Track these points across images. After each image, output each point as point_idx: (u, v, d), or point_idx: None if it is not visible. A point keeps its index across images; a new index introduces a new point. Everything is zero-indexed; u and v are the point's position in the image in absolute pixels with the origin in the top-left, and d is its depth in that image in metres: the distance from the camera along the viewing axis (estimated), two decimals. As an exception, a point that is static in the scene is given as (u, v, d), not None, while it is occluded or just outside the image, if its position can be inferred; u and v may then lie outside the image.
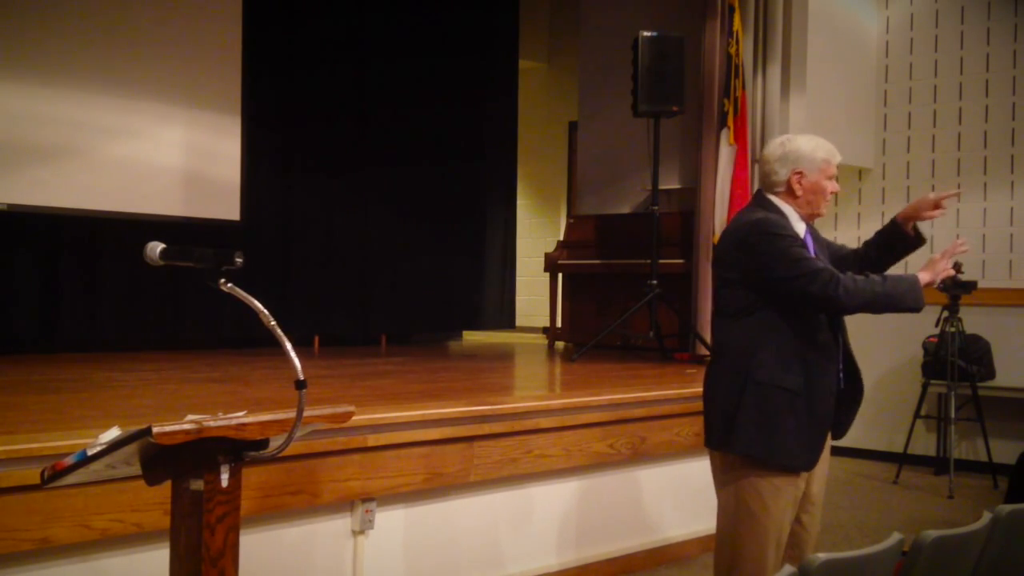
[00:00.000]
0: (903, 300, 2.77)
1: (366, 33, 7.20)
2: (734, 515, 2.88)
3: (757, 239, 2.82)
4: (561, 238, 7.75)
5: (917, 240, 3.07)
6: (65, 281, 5.84)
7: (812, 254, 2.88)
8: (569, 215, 8.26)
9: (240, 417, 1.95)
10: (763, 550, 2.83)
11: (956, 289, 6.08)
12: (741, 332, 2.87)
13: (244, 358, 5.68)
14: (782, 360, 2.80)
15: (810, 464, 2.88)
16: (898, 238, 3.06)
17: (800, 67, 6.36)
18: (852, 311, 2.81)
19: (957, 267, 6.12)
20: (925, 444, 6.70)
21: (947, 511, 5.58)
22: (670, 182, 6.71)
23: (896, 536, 2.00)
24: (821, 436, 2.88)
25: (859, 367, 2.98)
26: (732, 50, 5.93)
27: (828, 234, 7.27)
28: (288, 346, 1.96)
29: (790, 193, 2.90)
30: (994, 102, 6.82)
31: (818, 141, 2.95)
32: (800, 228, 2.91)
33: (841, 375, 2.92)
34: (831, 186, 2.91)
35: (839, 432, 2.99)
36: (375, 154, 7.24)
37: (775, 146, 2.96)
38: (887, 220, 3.18)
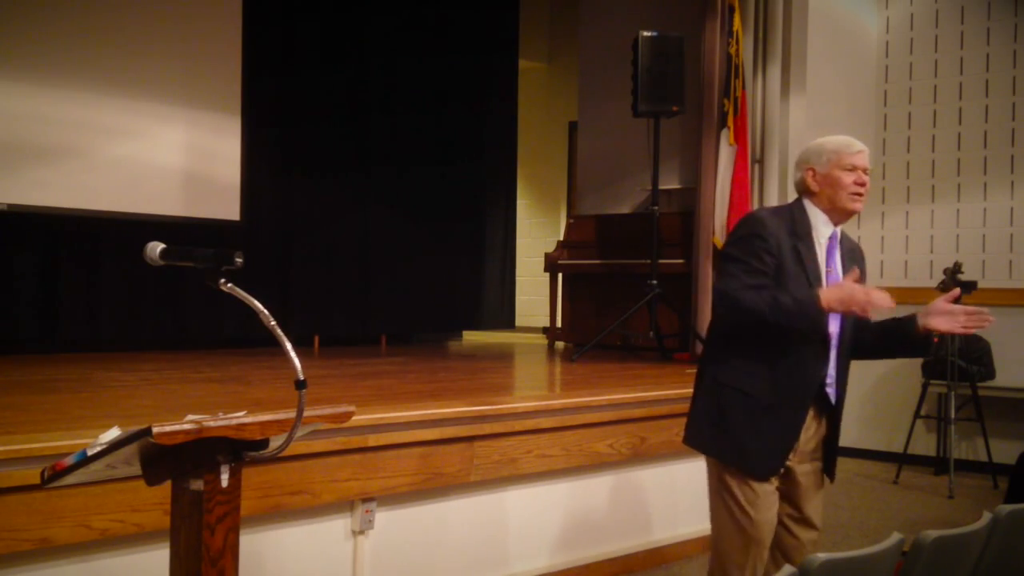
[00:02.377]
0: (795, 324, 2.68)
1: (366, 33, 7.20)
2: (716, 514, 2.91)
3: (736, 229, 2.90)
4: (561, 238, 7.75)
5: (924, 345, 2.86)
6: (65, 281, 5.84)
7: (830, 264, 2.81)
8: (569, 215, 8.26)
9: (240, 417, 1.95)
10: (737, 547, 2.84)
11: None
12: (718, 327, 2.93)
13: (244, 358, 5.68)
14: (748, 361, 2.79)
15: (767, 472, 2.81)
16: (907, 337, 2.83)
17: (800, 67, 6.36)
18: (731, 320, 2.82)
19: (957, 267, 6.15)
20: (925, 444, 6.70)
21: (947, 511, 5.58)
22: (670, 182, 6.71)
23: (896, 536, 2.00)
24: (784, 445, 2.81)
25: (844, 393, 2.90)
26: (732, 50, 5.93)
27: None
28: (288, 346, 1.96)
29: (810, 192, 2.86)
30: (994, 102, 6.81)
31: (832, 136, 2.89)
32: (824, 232, 2.84)
33: (830, 390, 2.85)
34: (850, 176, 2.78)
35: (828, 472, 2.97)
36: (375, 154, 7.24)
37: (798, 154, 2.96)
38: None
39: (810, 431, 2.87)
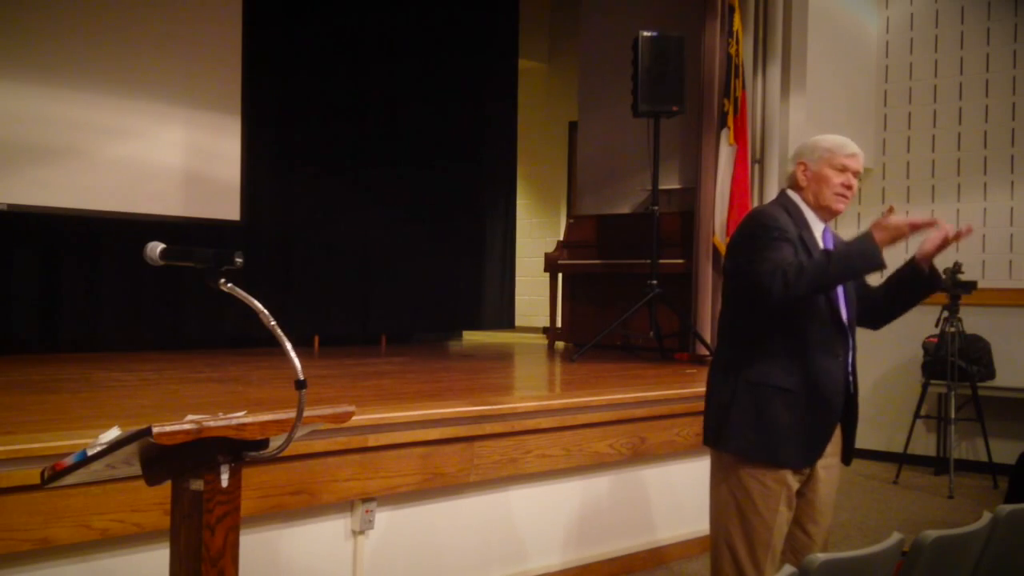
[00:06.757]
0: (853, 265, 2.67)
1: (366, 33, 7.19)
2: (724, 514, 2.87)
3: (743, 227, 2.86)
4: (561, 238, 7.75)
5: (933, 279, 2.91)
6: (65, 281, 5.83)
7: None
8: (569, 215, 8.26)
9: (240, 417, 1.95)
10: (752, 550, 2.81)
11: (956, 289, 6.08)
12: (737, 327, 2.88)
13: (244, 358, 5.68)
14: (776, 357, 2.77)
15: (807, 461, 2.82)
16: (916, 278, 2.91)
17: (800, 67, 6.36)
18: (794, 300, 2.68)
19: (957, 267, 6.14)
20: (925, 444, 6.70)
21: (947, 511, 5.58)
22: (670, 182, 6.71)
23: (896, 536, 2.00)
24: (823, 434, 2.82)
25: (857, 382, 2.91)
26: (732, 50, 5.93)
27: (828, 234, 7.33)
28: (288, 346, 1.96)
29: (797, 187, 2.88)
30: (994, 102, 6.81)
31: (831, 135, 2.90)
32: (817, 227, 2.86)
33: (851, 376, 2.87)
34: (839, 177, 2.81)
35: (844, 458, 2.96)
36: (375, 154, 7.24)
37: (794, 148, 2.97)
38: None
39: None
